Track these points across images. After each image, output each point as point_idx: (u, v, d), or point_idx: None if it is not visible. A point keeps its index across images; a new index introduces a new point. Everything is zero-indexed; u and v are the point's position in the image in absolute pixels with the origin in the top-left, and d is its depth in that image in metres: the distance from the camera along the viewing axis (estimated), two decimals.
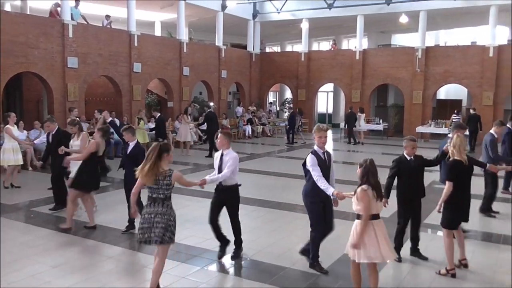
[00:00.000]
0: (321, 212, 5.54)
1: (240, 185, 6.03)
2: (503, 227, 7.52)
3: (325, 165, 5.49)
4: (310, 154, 5.50)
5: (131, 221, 7.25)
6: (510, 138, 8.83)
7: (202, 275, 5.57)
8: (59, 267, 5.77)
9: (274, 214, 8.41)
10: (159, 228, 4.71)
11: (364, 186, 4.67)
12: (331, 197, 5.40)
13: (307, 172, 5.53)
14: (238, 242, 6.12)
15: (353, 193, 4.82)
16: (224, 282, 5.48)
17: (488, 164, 6.66)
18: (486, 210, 8.31)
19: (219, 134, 5.96)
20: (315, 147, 5.55)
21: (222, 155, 5.88)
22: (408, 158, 5.99)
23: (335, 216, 5.85)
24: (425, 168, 6.25)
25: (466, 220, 5.81)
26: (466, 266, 5.78)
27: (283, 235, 7.16)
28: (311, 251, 5.69)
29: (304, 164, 5.57)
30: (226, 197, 5.92)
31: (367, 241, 4.60)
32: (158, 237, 4.69)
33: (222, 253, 6.05)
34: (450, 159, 5.68)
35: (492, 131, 8.37)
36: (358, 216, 4.72)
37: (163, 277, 5.17)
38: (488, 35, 19.93)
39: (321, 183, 5.31)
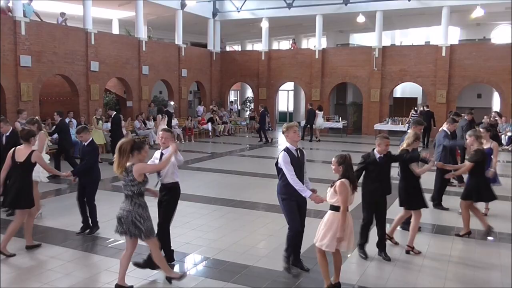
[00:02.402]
0: (295, 209, 5.44)
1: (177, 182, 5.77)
2: (455, 219, 7.82)
3: (298, 162, 5.42)
4: (283, 151, 5.41)
5: (85, 222, 7.12)
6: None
7: (164, 276, 5.52)
8: (13, 273, 5.57)
9: (236, 213, 8.42)
10: (126, 224, 4.88)
11: (343, 180, 4.82)
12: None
13: (280, 170, 5.44)
14: (169, 255, 5.78)
15: (329, 188, 4.96)
16: (187, 282, 5.43)
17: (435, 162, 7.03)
18: (438, 204, 8.63)
19: (164, 133, 5.64)
20: (288, 145, 5.48)
21: (161, 154, 5.61)
22: (378, 156, 5.94)
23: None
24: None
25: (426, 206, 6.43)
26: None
27: (246, 234, 7.18)
28: (285, 251, 5.56)
29: (277, 163, 5.48)
30: (163, 196, 5.63)
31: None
32: (125, 230, 4.91)
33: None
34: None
35: (444, 128, 8.58)
36: (334, 208, 4.87)
37: (126, 279, 5.09)
38: (441, 35, 20.68)
39: (296, 184, 5.25)
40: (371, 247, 6.21)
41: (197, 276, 5.58)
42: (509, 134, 17.52)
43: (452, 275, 5.66)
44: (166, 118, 15.89)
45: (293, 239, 5.50)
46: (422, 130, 7.45)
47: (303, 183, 5.42)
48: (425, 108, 18.57)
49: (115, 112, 14.45)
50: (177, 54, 21.75)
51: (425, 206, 6.40)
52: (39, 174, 7.45)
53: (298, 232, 5.48)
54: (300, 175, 5.40)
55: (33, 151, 6.31)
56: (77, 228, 7.15)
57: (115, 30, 22.69)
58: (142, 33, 19.65)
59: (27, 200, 6.25)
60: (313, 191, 5.39)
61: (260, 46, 25.48)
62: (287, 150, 5.42)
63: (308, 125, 20.03)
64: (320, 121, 20.49)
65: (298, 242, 5.58)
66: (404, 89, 24.82)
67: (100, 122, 15.02)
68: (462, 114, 11.47)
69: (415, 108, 19.62)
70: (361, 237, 6.14)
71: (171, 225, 5.85)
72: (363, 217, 6.15)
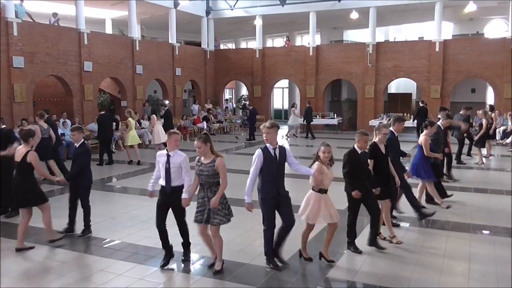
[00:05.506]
0: (271, 209, 5.46)
1: None
2: (449, 214, 7.84)
3: (275, 161, 5.43)
4: (259, 149, 5.48)
5: (70, 225, 7.02)
6: (394, 144, 6.99)
7: (161, 276, 5.52)
8: (10, 274, 5.55)
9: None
10: (210, 211, 5.37)
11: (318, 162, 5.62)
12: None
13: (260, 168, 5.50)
14: (187, 244, 5.92)
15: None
16: (183, 282, 5.44)
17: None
18: (431, 199, 8.34)
19: (176, 135, 5.74)
20: (267, 144, 5.50)
21: (168, 156, 5.64)
22: (359, 151, 5.96)
23: None
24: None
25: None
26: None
27: (241, 232, 7.18)
28: (264, 247, 5.64)
29: None
30: (173, 198, 5.62)
31: (312, 206, 5.55)
32: (208, 217, 5.40)
33: (166, 261, 5.75)
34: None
35: (391, 128, 7.07)
36: (312, 188, 5.69)
37: (122, 279, 5.09)
38: (434, 30, 20.73)
39: (248, 187, 5.47)
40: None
41: (194, 275, 5.57)
42: (502, 128, 17.59)
43: (447, 269, 5.69)
44: (163, 120, 15.83)
45: (269, 236, 5.54)
46: (403, 125, 7.24)
47: (282, 181, 5.54)
48: (420, 104, 18.59)
49: (102, 113, 14.07)
50: (171, 53, 21.70)
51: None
52: None
53: (273, 229, 5.55)
54: (278, 174, 5.46)
55: (29, 151, 6.32)
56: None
57: (108, 29, 22.60)
58: (136, 32, 19.59)
59: (36, 196, 6.38)
60: None
61: (254, 44, 25.46)
62: (264, 149, 5.47)
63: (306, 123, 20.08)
64: (291, 119, 20.18)
65: (272, 238, 5.60)
66: (399, 85, 24.86)
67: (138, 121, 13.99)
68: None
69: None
70: (350, 234, 6.16)
71: (169, 223, 5.83)
72: (348, 214, 6.11)
